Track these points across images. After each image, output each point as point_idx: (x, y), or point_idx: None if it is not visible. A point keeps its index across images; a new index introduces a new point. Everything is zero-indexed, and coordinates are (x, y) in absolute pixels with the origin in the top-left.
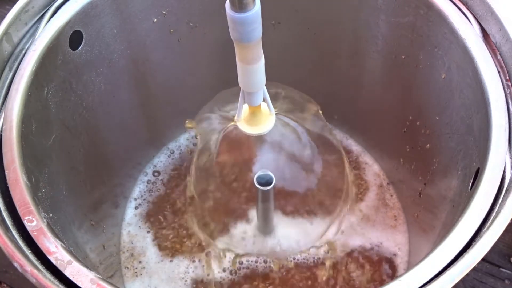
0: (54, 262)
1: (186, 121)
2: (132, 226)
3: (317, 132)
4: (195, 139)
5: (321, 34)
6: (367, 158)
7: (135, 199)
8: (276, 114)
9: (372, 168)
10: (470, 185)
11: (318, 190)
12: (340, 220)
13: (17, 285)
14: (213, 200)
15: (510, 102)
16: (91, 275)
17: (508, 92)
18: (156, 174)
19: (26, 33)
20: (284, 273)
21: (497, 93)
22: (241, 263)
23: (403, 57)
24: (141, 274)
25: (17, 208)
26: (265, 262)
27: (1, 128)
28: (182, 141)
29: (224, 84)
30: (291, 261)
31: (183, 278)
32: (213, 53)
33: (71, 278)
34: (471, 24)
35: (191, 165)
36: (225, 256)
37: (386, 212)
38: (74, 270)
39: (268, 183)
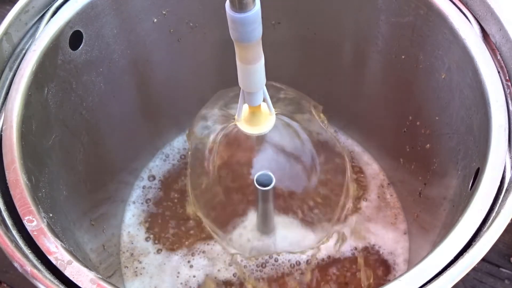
0: (54, 262)
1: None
2: (132, 227)
3: (317, 131)
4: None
5: (321, 34)
6: (367, 158)
7: (134, 202)
8: (276, 114)
9: (372, 168)
10: (470, 185)
11: (318, 191)
12: (340, 221)
13: (17, 285)
14: (213, 200)
15: (510, 102)
16: (91, 275)
17: (508, 92)
18: (151, 178)
19: (26, 33)
20: (284, 273)
21: (497, 93)
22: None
23: (403, 57)
24: (141, 274)
25: (17, 208)
26: (264, 266)
27: (1, 128)
28: (176, 144)
29: (224, 84)
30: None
31: (182, 278)
32: (213, 53)
33: (71, 278)
34: (471, 24)
35: (187, 165)
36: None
37: (386, 212)
38: (74, 270)
39: (268, 183)
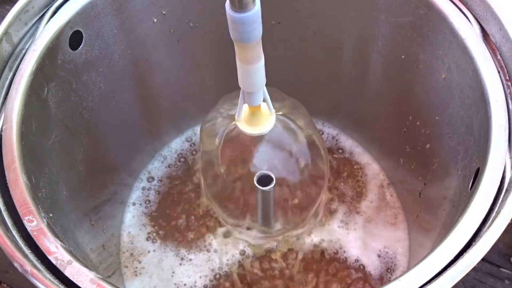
0: (54, 262)
1: None
2: (132, 227)
3: (309, 131)
4: (187, 145)
5: (321, 34)
6: (367, 158)
7: (134, 203)
8: (275, 114)
9: (372, 168)
10: (470, 185)
11: (310, 182)
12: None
13: (17, 285)
14: (219, 198)
15: (510, 102)
16: (91, 275)
17: (508, 92)
18: (150, 179)
19: (26, 33)
20: (285, 270)
21: (497, 93)
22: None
23: (403, 57)
24: (140, 274)
25: (17, 208)
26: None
27: (1, 128)
28: (174, 145)
29: (224, 84)
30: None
31: (181, 277)
32: (213, 53)
33: (71, 278)
34: (471, 24)
35: (199, 163)
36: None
37: (386, 212)
38: (74, 270)
39: (268, 183)
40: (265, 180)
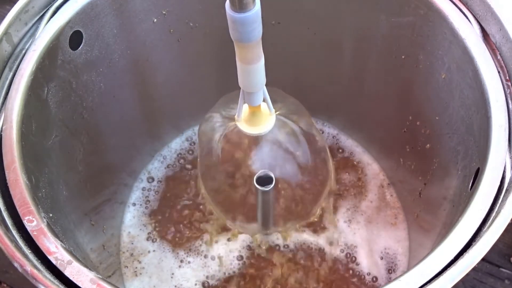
0: (54, 262)
1: None
2: (132, 228)
3: (310, 130)
4: (187, 145)
5: (321, 34)
6: (367, 158)
7: (134, 203)
8: (276, 114)
9: (372, 168)
10: (470, 185)
11: (310, 182)
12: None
13: (17, 285)
14: (218, 198)
15: (510, 102)
16: (91, 275)
17: (508, 92)
18: (150, 180)
19: (26, 33)
20: (287, 268)
21: (497, 93)
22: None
23: (403, 57)
24: (140, 274)
25: (17, 208)
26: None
27: (1, 128)
28: (174, 146)
29: (224, 84)
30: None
31: (181, 278)
32: (213, 53)
33: (71, 278)
34: (471, 24)
35: (197, 164)
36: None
37: (386, 212)
38: (74, 270)
39: (268, 183)
40: (264, 180)
